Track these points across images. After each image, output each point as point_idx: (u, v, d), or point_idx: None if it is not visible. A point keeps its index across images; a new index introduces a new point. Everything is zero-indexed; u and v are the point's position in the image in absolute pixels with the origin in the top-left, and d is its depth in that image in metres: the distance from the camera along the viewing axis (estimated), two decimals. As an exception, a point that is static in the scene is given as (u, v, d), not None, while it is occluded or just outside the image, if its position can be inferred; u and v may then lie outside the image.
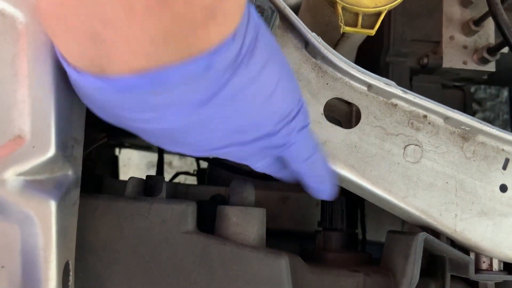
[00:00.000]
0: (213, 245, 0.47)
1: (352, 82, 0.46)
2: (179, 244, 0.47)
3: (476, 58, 0.67)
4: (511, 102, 1.50)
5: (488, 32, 0.69)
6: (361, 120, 0.46)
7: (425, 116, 0.47)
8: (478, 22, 0.66)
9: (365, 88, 0.46)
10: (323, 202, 0.62)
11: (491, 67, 0.68)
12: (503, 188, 0.47)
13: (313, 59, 0.46)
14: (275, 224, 0.80)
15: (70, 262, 0.38)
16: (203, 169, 1.17)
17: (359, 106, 0.46)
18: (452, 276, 0.49)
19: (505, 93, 1.51)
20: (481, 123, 0.45)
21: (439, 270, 0.51)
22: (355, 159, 0.46)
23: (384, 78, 0.45)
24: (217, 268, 0.47)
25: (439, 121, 0.46)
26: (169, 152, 1.12)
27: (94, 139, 0.65)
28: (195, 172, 1.16)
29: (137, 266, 0.46)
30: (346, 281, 0.50)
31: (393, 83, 0.45)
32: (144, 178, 0.51)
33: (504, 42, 0.63)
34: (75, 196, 0.39)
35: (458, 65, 0.68)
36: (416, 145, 0.46)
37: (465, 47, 0.69)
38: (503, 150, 0.47)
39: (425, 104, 0.45)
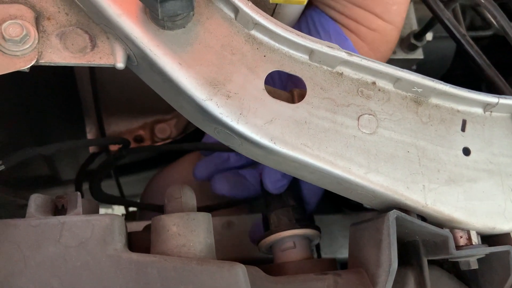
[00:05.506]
0: (151, 265, 0.38)
1: (291, 51, 0.41)
2: (105, 268, 0.37)
3: (404, 46, 0.67)
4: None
5: (411, 21, 0.69)
6: (307, 93, 0.41)
7: (374, 83, 0.42)
8: (401, 10, 0.66)
9: (306, 57, 0.41)
10: (264, 211, 0.55)
11: (419, 54, 0.68)
12: (466, 152, 0.43)
13: (246, 30, 0.40)
14: (221, 255, 0.71)
15: None
16: (133, 212, 1.06)
17: (303, 78, 0.41)
18: (428, 262, 0.44)
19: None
20: (433, 80, 0.41)
21: (413, 257, 0.45)
22: (307, 136, 0.40)
23: (325, 41, 0.40)
24: (158, 292, 0.37)
25: (389, 86, 0.42)
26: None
27: None
28: (124, 216, 1.04)
29: (49, 305, 0.35)
30: (315, 286, 0.42)
31: (336, 46, 0.40)
32: None
33: (429, 24, 0.64)
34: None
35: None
36: (369, 114, 0.42)
37: (391, 37, 0.68)
38: (458, 111, 0.44)
39: (373, 66, 0.41)
